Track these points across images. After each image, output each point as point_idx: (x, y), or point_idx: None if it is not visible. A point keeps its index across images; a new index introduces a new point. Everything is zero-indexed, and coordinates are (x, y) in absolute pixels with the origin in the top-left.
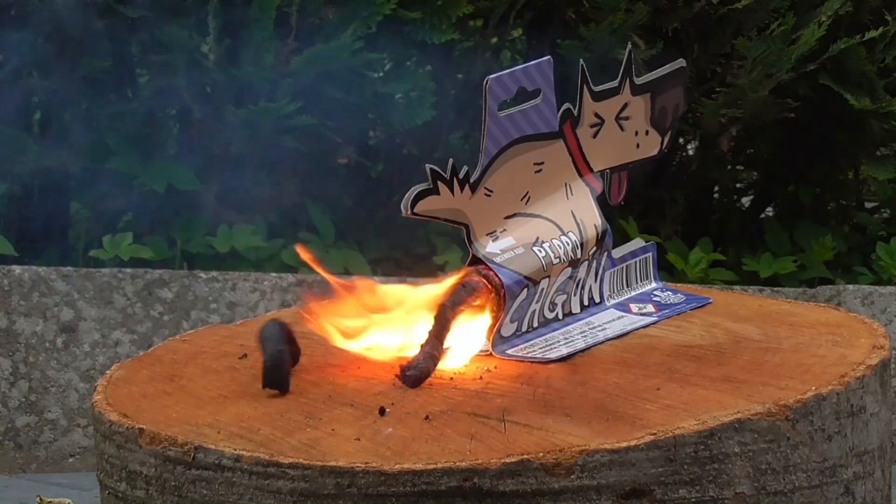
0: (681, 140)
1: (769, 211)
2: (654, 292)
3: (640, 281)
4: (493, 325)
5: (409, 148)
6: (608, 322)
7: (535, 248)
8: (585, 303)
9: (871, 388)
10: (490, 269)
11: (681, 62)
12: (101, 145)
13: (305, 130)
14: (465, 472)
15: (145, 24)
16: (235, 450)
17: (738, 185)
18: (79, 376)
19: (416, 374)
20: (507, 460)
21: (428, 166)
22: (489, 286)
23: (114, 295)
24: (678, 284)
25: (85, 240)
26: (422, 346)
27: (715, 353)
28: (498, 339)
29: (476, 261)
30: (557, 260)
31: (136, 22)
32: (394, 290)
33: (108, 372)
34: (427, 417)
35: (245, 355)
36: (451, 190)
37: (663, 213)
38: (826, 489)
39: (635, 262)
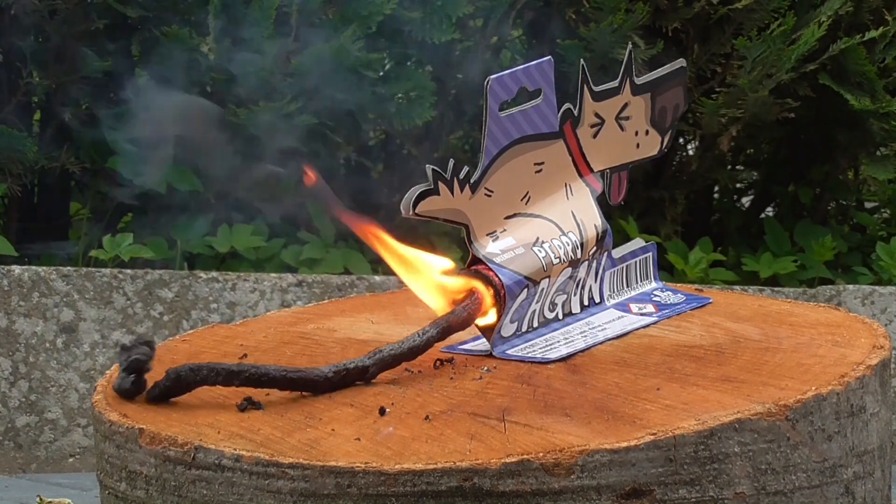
0: (681, 140)
1: (769, 211)
2: (654, 292)
3: (640, 281)
4: (493, 325)
5: (409, 148)
6: (608, 322)
7: (535, 249)
8: (585, 303)
9: (871, 388)
10: (490, 269)
11: (681, 62)
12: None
13: (305, 130)
14: (465, 472)
15: (146, 24)
16: (235, 450)
17: (738, 185)
18: (79, 376)
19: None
20: (507, 460)
21: (428, 166)
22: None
23: (114, 295)
24: (678, 284)
25: (85, 240)
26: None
27: (715, 353)
28: (498, 339)
29: (476, 261)
30: (557, 260)
31: (136, 21)
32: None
33: (108, 372)
34: (427, 417)
35: (245, 355)
36: (452, 190)
37: (663, 213)
38: (826, 489)
39: (635, 262)
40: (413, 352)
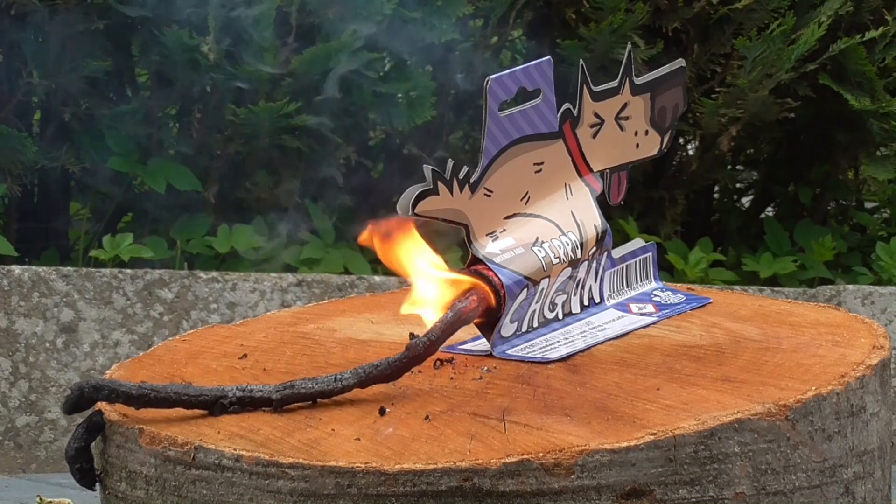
0: (681, 140)
1: (769, 211)
2: (654, 292)
3: (640, 281)
4: (493, 325)
5: (409, 148)
6: (608, 322)
7: (535, 249)
8: (585, 303)
9: (871, 388)
10: (490, 268)
11: (680, 62)
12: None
13: (305, 130)
14: (465, 472)
15: (145, 24)
16: (235, 450)
17: (738, 185)
18: (79, 376)
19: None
20: (507, 460)
21: (427, 166)
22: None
23: (114, 295)
24: (678, 284)
25: (85, 240)
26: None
27: (715, 353)
28: (498, 339)
29: (476, 261)
30: (557, 260)
31: (136, 22)
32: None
33: (107, 372)
34: (427, 417)
35: (245, 355)
36: (451, 190)
37: (663, 213)
38: (826, 489)
39: (635, 262)
40: (323, 394)
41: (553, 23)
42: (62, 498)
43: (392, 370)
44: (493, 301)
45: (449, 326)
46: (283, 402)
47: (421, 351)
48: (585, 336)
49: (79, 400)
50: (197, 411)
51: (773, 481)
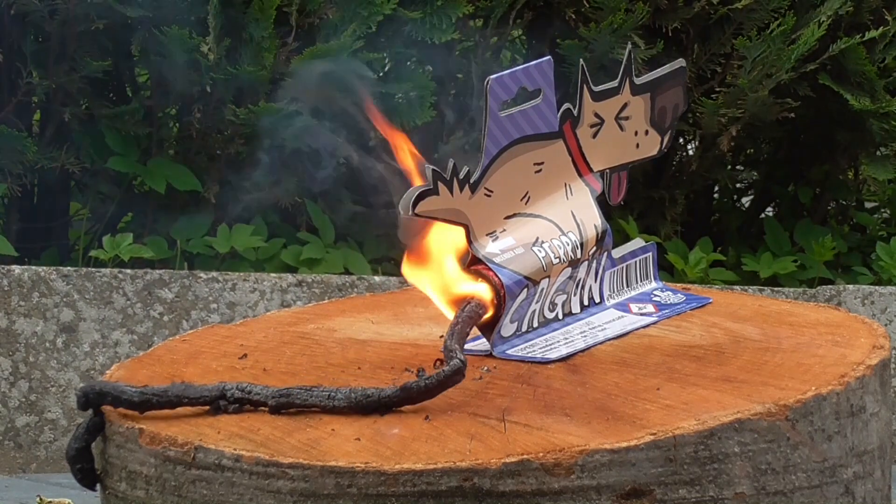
0: (681, 140)
1: (769, 211)
2: (654, 292)
3: (640, 281)
4: (493, 325)
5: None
6: (608, 322)
7: (535, 249)
8: (585, 303)
9: (871, 388)
10: (490, 269)
11: (680, 62)
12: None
13: (305, 130)
14: (465, 472)
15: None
16: (235, 450)
17: (738, 185)
18: (79, 376)
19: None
20: (507, 460)
21: (428, 166)
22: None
23: (114, 295)
24: (678, 284)
25: (85, 240)
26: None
27: (715, 353)
28: (498, 339)
29: (476, 261)
30: (557, 260)
31: (136, 21)
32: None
33: (108, 372)
34: (427, 417)
35: (245, 355)
36: (451, 190)
37: (663, 213)
38: (826, 489)
39: (635, 262)
40: (318, 408)
41: (553, 23)
42: (62, 498)
43: (381, 404)
44: (492, 301)
45: (450, 376)
46: (279, 408)
47: (414, 395)
48: (585, 336)
49: (84, 405)
50: (197, 409)
51: (773, 481)
